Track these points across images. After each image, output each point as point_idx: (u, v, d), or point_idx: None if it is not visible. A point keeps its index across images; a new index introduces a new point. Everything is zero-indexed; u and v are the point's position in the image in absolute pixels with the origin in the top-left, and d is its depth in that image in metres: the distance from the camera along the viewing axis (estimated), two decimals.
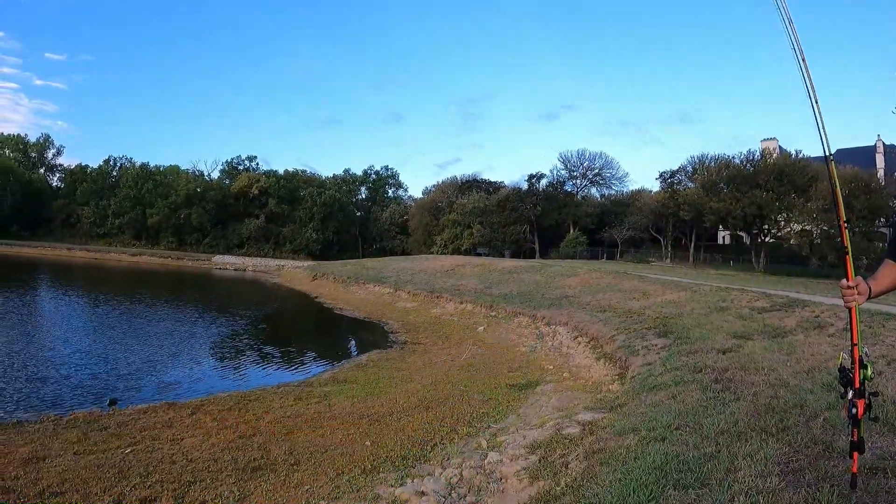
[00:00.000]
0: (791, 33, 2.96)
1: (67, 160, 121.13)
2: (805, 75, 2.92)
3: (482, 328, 23.27)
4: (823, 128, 2.91)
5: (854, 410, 2.69)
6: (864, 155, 57.18)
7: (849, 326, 2.85)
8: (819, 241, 43.24)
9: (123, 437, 9.52)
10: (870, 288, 2.83)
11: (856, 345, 2.77)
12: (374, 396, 12.81)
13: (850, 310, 2.83)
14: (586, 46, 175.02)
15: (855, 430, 2.70)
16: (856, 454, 2.72)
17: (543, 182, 74.00)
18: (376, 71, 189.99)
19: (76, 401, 12.46)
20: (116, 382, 14.26)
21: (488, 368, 16.10)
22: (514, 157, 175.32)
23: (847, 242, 2.87)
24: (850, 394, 2.73)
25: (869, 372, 2.73)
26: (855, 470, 2.77)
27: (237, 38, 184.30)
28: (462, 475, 6.80)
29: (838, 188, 2.94)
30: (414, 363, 17.44)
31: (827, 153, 2.94)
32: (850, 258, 2.84)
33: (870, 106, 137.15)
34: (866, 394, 2.72)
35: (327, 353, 20.45)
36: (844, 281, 2.82)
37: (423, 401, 12.17)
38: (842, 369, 2.81)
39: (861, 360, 2.74)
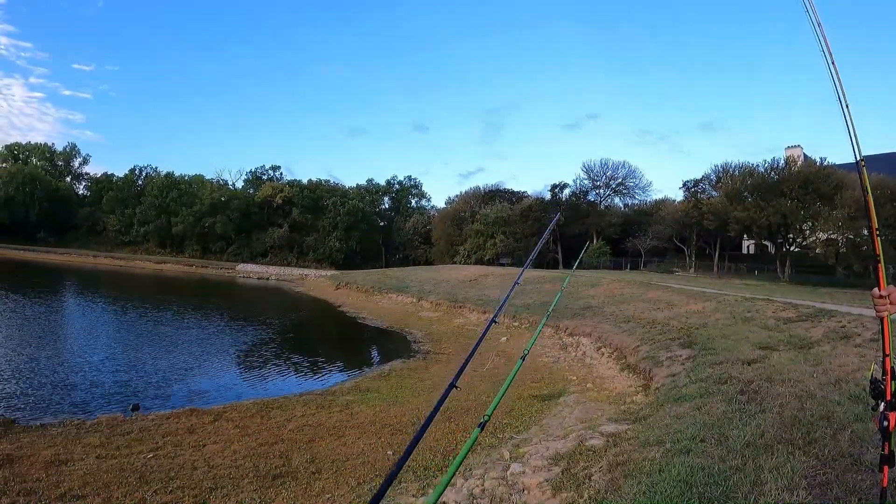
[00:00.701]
0: (820, 35, 2.92)
1: (93, 169, 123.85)
2: (835, 77, 2.88)
3: (505, 339, 23.19)
4: (854, 132, 2.86)
5: (885, 423, 2.62)
6: (889, 162, 56.31)
7: (880, 337, 2.78)
8: (845, 249, 42.59)
9: (145, 442, 9.59)
10: None
11: (888, 355, 2.70)
12: (397, 406, 12.80)
13: (881, 319, 2.77)
14: (609, 56, 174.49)
15: (886, 443, 2.64)
16: (886, 468, 2.66)
17: (567, 192, 73.96)
18: (401, 82, 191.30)
19: (99, 405, 12.62)
20: (139, 388, 14.41)
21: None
22: (537, 167, 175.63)
23: (879, 250, 2.80)
24: (882, 406, 2.66)
25: None
26: (885, 484, 2.70)
27: (262, 48, 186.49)
28: (484, 486, 6.76)
29: (870, 194, 2.88)
30: (437, 373, 17.42)
31: (858, 157, 2.88)
32: (882, 266, 2.77)
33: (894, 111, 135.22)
34: None
35: (350, 361, 20.51)
36: (876, 290, 2.75)
37: (445, 411, 12.08)
38: (873, 381, 2.75)
39: (893, 372, 2.67)
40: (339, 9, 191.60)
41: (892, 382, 2.65)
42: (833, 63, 2.89)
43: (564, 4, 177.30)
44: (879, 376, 2.72)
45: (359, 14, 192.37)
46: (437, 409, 2.68)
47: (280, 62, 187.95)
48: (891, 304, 2.71)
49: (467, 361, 3.28)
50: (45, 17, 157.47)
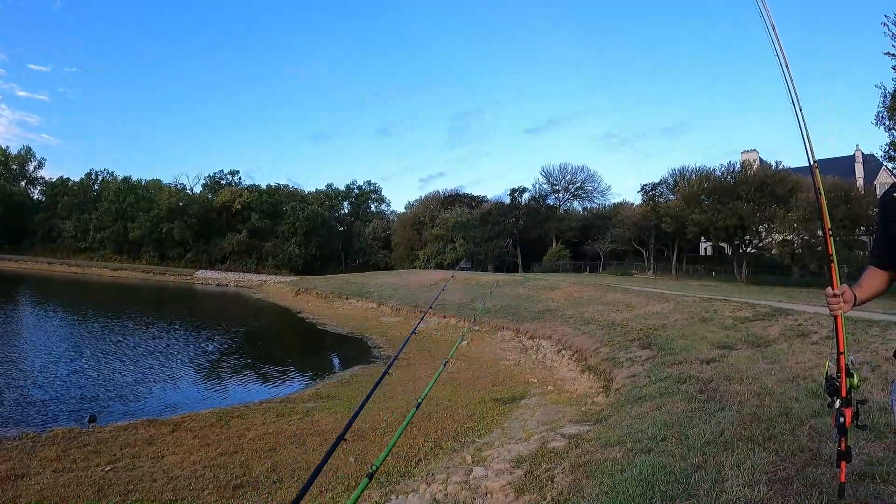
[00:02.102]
0: (774, 39, 2.95)
1: (49, 173, 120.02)
2: (789, 81, 2.91)
3: (466, 342, 23.19)
4: (808, 135, 2.90)
5: (842, 419, 2.65)
6: (843, 165, 57.88)
7: (834, 335, 2.82)
8: (800, 250, 43.61)
9: (103, 455, 9.34)
10: (855, 296, 2.80)
11: (842, 353, 2.73)
12: None
13: (835, 318, 2.80)
14: (574, 61, 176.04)
15: (843, 438, 2.66)
16: (843, 463, 2.68)
17: (526, 196, 74.69)
18: (366, 86, 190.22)
19: (55, 418, 12.25)
20: (96, 399, 14.03)
21: (472, 383, 16.02)
22: (500, 172, 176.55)
23: (832, 250, 2.84)
24: (838, 403, 2.68)
25: (855, 380, 2.69)
26: (843, 479, 2.72)
27: (221, 52, 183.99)
28: (447, 491, 6.71)
29: (823, 196, 2.92)
30: (398, 378, 17.30)
31: (811, 160, 2.92)
32: (835, 266, 2.81)
33: (848, 116, 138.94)
34: (853, 402, 2.69)
35: (310, 368, 20.30)
36: (830, 289, 2.79)
37: (406, 416, 12.05)
38: (828, 378, 2.78)
39: (847, 369, 2.70)
40: (304, 11, 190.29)
41: (847, 379, 2.68)
42: (787, 67, 2.92)
43: (531, 11, 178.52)
44: (834, 373, 2.75)
45: (325, 17, 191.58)
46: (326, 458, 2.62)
47: (242, 65, 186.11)
48: (844, 302, 2.75)
49: (361, 407, 3.26)
50: (1, 15, 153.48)
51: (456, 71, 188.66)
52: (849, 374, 2.69)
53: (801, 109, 2.89)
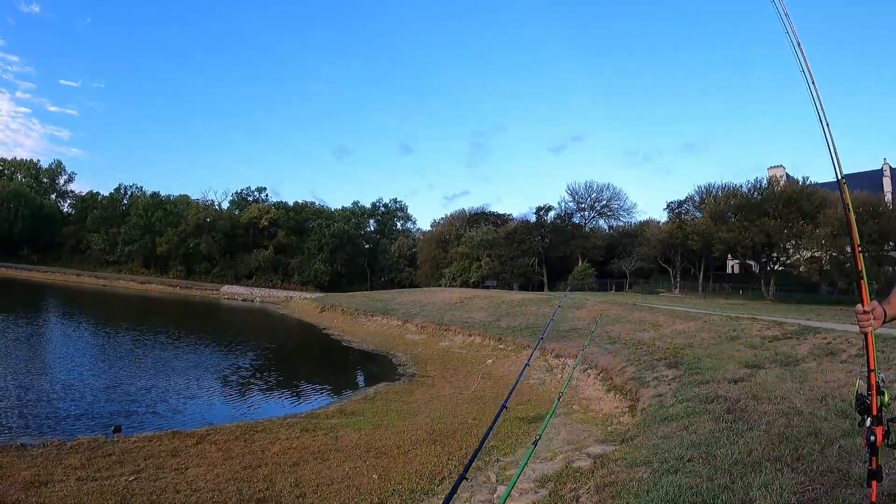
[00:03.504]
0: (800, 56, 2.95)
1: (78, 187, 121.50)
2: (815, 98, 2.90)
3: (490, 361, 23.12)
4: (835, 150, 2.88)
5: (872, 438, 2.62)
6: (871, 179, 57.20)
7: (865, 352, 2.78)
8: (829, 267, 43.02)
9: (127, 465, 9.41)
10: (885, 312, 2.77)
11: (872, 371, 2.70)
12: (382, 429, 12.68)
13: (865, 335, 2.77)
14: (595, 77, 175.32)
15: (874, 458, 2.63)
16: (874, 483, 2.64)
17: (551, 214, 74.41)
18: (389, 103, 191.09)
19: (81, 427, 12.41)
20: (121, 410, 14.20)
21: (497, 401, 15.90)
22: (523, 190, 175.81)
23: (861, 267, 2.81)
24: (868, 421, 2.66)
25: (886, 398, 2.66)
26: (874, 499, 2.68)
27: (247, 70, 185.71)
28: None
29: (852, 212, 2.90)
30: (422, 396, 17.31)
31: (839, 176, 2.90)
32: (864, 283, 2.78)
33: (875, 129, 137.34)
34: (884, 420, 2.65)
35: (335, 384, 20.35)
36: (860, 306, 2.76)
37: (430, 434, 12.04)
38: (859, 396, 2.75)
39: (878, 387, 2.67)
40: (329, 29, 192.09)
41: (878, 397, 2.65)
42: (814, 83, 2.92)
43: (551, 28, 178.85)
44: (864, 392, 2.72)
45: (348, 34, 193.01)
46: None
47: (268, 82, 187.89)
48: (874, 319, 2.72)
49: (512, 390, 3.24)
50: (33, 30, 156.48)
51: (477, 88, 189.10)
52: (879, 392, 2.66)
53: (828, 125, 2.87)
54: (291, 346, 33.03)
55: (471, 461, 2.64)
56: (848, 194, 2.92)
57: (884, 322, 2.78)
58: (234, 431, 12.16)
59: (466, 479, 2.84)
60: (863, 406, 2.70)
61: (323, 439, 11.71)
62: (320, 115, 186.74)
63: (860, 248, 2.88)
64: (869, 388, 2.70)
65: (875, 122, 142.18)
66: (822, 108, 2.89)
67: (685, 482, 5.15)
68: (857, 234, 2.87)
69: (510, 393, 3.09)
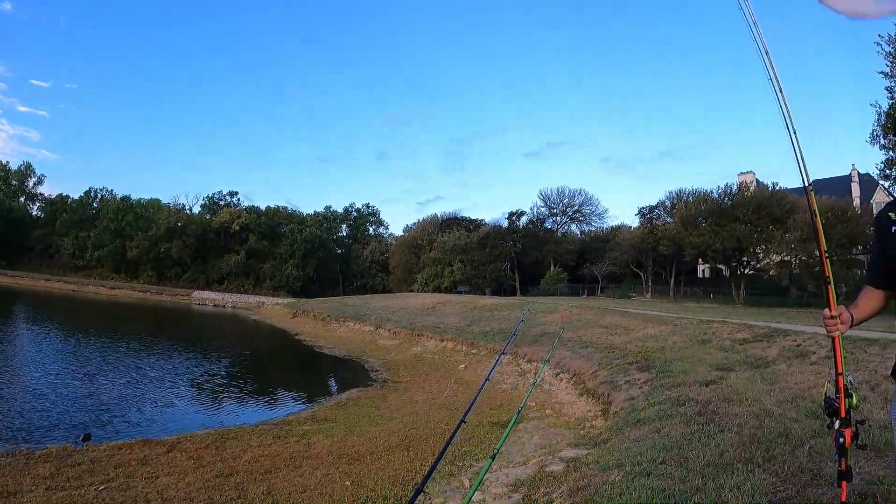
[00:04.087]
0: (768, 64, 2.97)
1: (48, 190, 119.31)
2: (783, 105, 2.93)
3: (463, 366, 23.12)
4: (802, 157, 2.92)
5: (841, 440, 2.65)
6: (839, 184, 58.21)
7: (832, 355, 2.82)
8: (798, 271, 43.71)
9: (97, 474, 9.25)
10: (852, 316, 2.81)
11: (840, 374, 2.74)
12: (355, 435, 12.61)
13: (833, 339, 2.81)
14: (572, 84, 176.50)
15: (843, 459, 2.66)
16: (844, 483, 2.67)
17: (524, 219, 74.75)
18: (365, 111, 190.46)
19: (49, 435, 12.19)
20: (91, 418, 13.97)
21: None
22: (498, 196, 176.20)
23: (829, 272, 2.86)
24: (837, 423, 2.69)
25: (854, 401, 2.69)
26: (844, 499, 2.71)
27: (223, 74, 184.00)
28: None
29: (818, 218, 2.94)
30: (395, 401, 17.25)
31: (806, 183, 2.94)
32: (831, 288, 2.83)
33: (844, 135, 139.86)
34: (853, 422, 2.68)
35: (307, 391, 20.20)
36: (827, 311, 2.81)
37: (404, 440, 11.99)
38: (827, 399, 2.78)
39: (846, 389, 2.71)
40: (305, 36, 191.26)
41: (846, 400, 2.68)
42: (781, 91, 2.94)
43: (531, 35, 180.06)
44: (833, 394, 2.75)
45: (326, 41, 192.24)
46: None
47: (242, 87, 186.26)
48: (841, 323, 2.76)
49: (471, 405, 3.21)
50: (4, 28, 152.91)
51: (454, 95, 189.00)
52: (847, 395, 2.69)
53: (795, 132, 2.91)
54: (263, 353, 32.76)
55: (428, 475, 2.63)
56: (814, 201, 2.97)
57: (851, 326, 2.82)
58: (206, 439, 12.03)
59: (425, 492, 2.83)
60: (831, 409, 2.73)
61: (295, 446, 11.62)
62: (295, 121, 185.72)
63: (828, 254, 2.92)
64: (837, 390, 2.73)
65: (844, 128, 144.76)
66: (789, 116, 2.92)
67: (658, 485, 5.18)
68: (824, 241, 2.92)
69: (469, 407, 3.08)
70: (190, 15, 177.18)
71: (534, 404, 15.46)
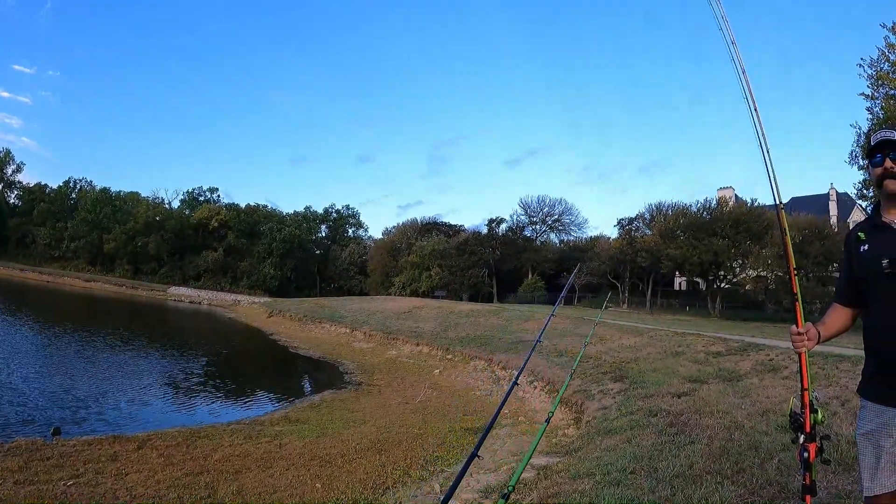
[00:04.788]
0: (744, 83, 3.03)
1: (27, 178, 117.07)
2: (757, 124, 2.98)
3: (438, 371, 23.12)
4: (775, 177, 2.98)
5: (805, 454, 2.69)
6: (818, 202, 59.11)
7: (799, 371, 2.86)
8: (774, 286, 44.13)
9: (66, 469, 9.14)
10: (819, 333, 2.86)
11: (806, 389, 2.78)
12: (327, 437, 12.57)
13: (800, 355, 2.85)
14: (554, 92, 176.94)
15: (807, 473, 2.70)
16: (808, 497, 2.71)
17: (503, 227, 74.88)
18: (347, 112, 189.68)
19: (19, 429, 12.05)
20: (62, 412, 13.82)
21: (443, 411, 15.95)
22: (477, 202, 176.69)
23: (797, 289, 2.92)
24: (802, 438, 2.73)
25: (819, 416, 2.73)
26: None
27: (207, 69, 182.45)
28: None
29: (788, 236, 3.01)
30: (368, 405, 17.21)
31: (777, 202, 3.01)
32: (799, 305, 2.89)
33: (823, 155, 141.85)
34: (817, 437, 2.72)
35: (281, 391, 20.11)
36: (794, 327, 2.86)
37: (376, 443, 11.97)
38: (793, 414, 2.82)
39: (812, 405, 2.75)
40: (289, 37, 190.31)
41: (811, 415, 2.72)
42: (756, 110, 3.01)
43: (513, 42, 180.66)
44: (798, 410, 2.79)
45: (309, 44, 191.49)
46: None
47: (224, 84, 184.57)
48: (808, 340, 2.81)
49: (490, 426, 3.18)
50: None
51: (435, 100, 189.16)
52: (813, 410, 2.73)
53: (768, 152, 2.96)
54: (238, 352, 32.53)
55: (480, 441, 2.65)
56: (785, 219, 3.04)
57: (819, 342, 2.87)
58: (177, 437, 11.92)
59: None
60: (797, 423, 2.77)
61: (267, 447, 11.56)
62: (277, 121, 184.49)
63: (798, 271, 2.98)
64: (802, 406, 2.77)
65: (824, 147, 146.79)
66: (763, 135, 2.98)
67: (627, 494, 5.21)
68: (793, 258, 2.99)
69: (485, 434, 3.08)
70: (175, 14, 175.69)
71: (507, 411, 15.47)
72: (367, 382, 21.24)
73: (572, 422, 12.23)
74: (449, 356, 25.76)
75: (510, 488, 2.29)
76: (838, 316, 2.97)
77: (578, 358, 6.28)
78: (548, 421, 3.68)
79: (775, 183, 2.96)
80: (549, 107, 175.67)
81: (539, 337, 5.01)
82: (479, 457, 2.79)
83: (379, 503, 8.09)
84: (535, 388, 17.43)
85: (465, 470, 2.50)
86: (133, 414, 14.73)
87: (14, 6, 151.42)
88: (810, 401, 2.77)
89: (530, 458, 2.81)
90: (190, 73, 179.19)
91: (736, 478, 5.26)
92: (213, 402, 17.46)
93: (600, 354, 18.66)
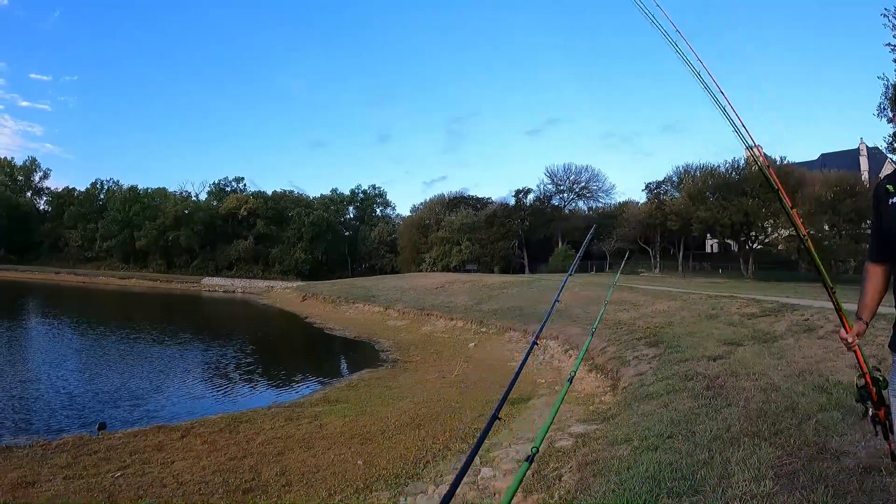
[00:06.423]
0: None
1: (54, 183, 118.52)
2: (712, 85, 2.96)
3: (473, 344, 23.21)
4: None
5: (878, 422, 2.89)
6: (848, 158, 57.98)
7: (856, 362, 2.97)
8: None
9: (113, 461, 9.39)
10: (866, 323, 2.86)
11: (867, 373, 2.90)
12: (366, 415, 12.71)
13: (854, 352, 2.94)
14: (570, 59, 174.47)
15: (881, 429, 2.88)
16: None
17: (531, 197, 74.41)
18: (363, 92, 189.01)
19: (66, 426, 12.35)
20: (106, 407, 14.11)
21: (479, 384, 16.03)
22: (501, 174, 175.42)
23: (837, 303, 2.98)
24: (871, 409, 2.92)
25: (883, 385, 2.88)
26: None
27: (222, 59, 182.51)
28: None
29: (792, 207, 3.25)
30: (405, 381, 17.36)
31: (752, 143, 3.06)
32: (844, 315, 2.96)
33: (853, 109, 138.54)
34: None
35: (318, 373, 20.35)
36: (843, 332, 2.88)
37: (414, 419, 12.09)
38: (859, 388, 2.96)
39: (876, 380, 2.90)
40: (302, 19, 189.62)
41: (874, 388, 2.81)
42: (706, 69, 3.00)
43: (526, 11, 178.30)
44: (861, 384, 2.90)
45: (322, 25, 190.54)
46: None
47: (243, 74, 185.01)
48: (857, 336, 2.80)
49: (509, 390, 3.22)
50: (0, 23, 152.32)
51: (452, 74, 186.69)
52: (875, 383, 2.88)
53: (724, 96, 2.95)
54: (274, 336, 32.93)
55: (501, 403, 2.70)
56: (774, 175, 3.06)
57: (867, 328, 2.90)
58: (219, 423, 12.16)
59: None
60: (864, 396, 2.92)
61: (307, 428, 11.73)
62: (296, 108, 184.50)
63: (808, 237, 3.03)
64: (866, 384, 2.92)
65: (855, 100, 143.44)
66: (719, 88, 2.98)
67: (665, 458, 5.21)
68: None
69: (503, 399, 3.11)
70: (190, 7, 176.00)
71: (543, 381, 15.54)
72: (403, 359, 21.40)
73: (609, 389, 12.23)
74: (483, 329, 25.85)
75: (534, 450, 2.31)
76: (874, 284, 2.94)
77: (599, 318, 6.25)
78: (570, 380, 3.69)
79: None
80: (566, 74, 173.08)
81: (557, 297, 5.00)
82: (499, 419, 2.83)
83: (420, 476, 8.19)
84: (570, 356, 17.48)
85: (487, 431, 2.54)
86: (175, 403, 15.02)
87: (24, 18, 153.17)
88: (873, 378, 2.90)
89: (554, 416, 2.82)
90: (204, 65, 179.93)
91: (773, 439, 5.23)
92: (252, 388, 17.75)
93: (634, 320, 18.60)
